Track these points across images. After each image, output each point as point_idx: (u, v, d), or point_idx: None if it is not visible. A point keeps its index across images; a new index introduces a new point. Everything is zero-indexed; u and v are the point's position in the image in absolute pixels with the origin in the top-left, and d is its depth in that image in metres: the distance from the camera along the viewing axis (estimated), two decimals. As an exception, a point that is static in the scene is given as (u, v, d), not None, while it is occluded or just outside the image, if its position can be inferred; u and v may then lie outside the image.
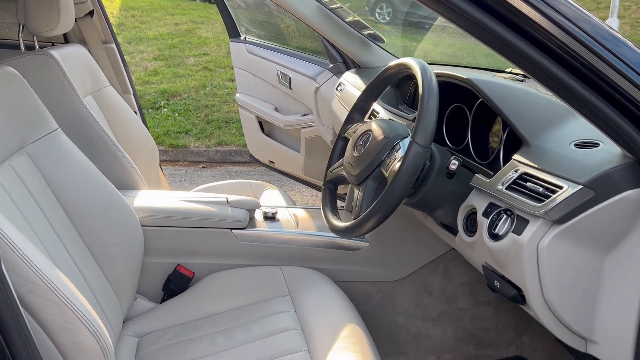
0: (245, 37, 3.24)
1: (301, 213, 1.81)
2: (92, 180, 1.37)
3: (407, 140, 1.18)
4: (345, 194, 2.33)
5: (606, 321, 1.01)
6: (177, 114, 5.53)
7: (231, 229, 1.60)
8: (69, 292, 0.98)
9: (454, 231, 1.32)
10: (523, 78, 1.67)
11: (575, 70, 0.87)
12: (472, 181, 1.19)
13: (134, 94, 2.35)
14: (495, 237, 1.06)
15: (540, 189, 0.98)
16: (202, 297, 1.50)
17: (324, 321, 1.35)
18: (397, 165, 1.10)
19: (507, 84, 1.30)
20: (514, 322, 1.71)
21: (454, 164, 1.12)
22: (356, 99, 1.43)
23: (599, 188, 0.91)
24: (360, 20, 2.35)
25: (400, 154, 1.15)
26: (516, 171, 1.07)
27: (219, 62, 6.91)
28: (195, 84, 6.25)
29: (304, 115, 2.90)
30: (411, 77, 1.75)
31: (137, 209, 1.51)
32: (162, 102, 5.73)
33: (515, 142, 1.23)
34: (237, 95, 3.30)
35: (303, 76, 2.81)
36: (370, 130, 1.26)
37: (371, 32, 2.37)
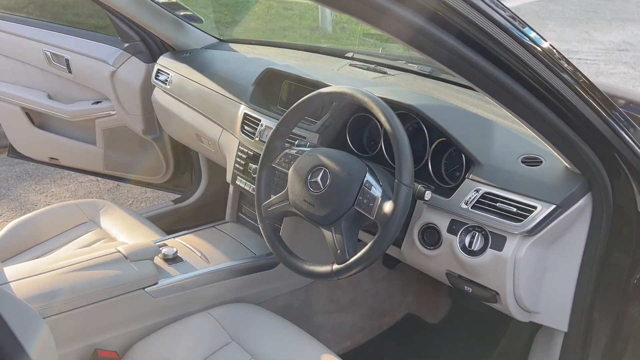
0: (-20, 8, 2.54)
1: (195, 240, 1.64)
2: None
3: (369, 177, 1.19)
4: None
5: (549, 295, 1.26)
6: None
7: (143, 288, 1.37)
8: None
9: (396, 242, 1.41)
10: (383, 69, 1.78)
11: (548, 100, 0.98)
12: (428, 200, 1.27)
13: None
14: (471, 253, 1.19)
15: (514, 209, 1.14)
16: (139, 376, 1.28)
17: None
18: (388, 207, 1.11)
19: (442, 105, 1.38)
20: (400, 287, 1.94)
21: (428, 194, 1.18)
22: (276, 125, 1.33)
23: (566, 204, 1.11)
24: (177, 0, 2.09)
25: (376, 192, 1.16)
26: (477, 191, 1.20)
27: None
28: None
29: (97, 102, 2.50)
30: (281, 78, 1.70)
31: (29, 301, 1.17)
32: None
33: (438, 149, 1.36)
34: (-16, 83, 2.61)
35: (88, 58, 2.39)
36: (323, 166, 1.22)
37: (188, 12, 2.14)
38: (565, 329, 1.29)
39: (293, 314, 1.69)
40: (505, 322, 1.79)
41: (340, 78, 1.69)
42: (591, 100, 1.00)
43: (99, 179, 3.52)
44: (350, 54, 1.99)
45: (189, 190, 2.59)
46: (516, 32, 0.89)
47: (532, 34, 0.93)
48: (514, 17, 0.91)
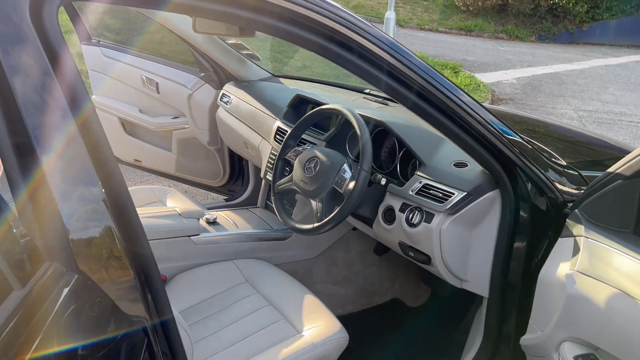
0: (100, 41, 3.33)
1: (232, 214, 2.23)
2: None
3: (345, 165, 1.73)
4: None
5: (473, 267, 1.71)
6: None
7: (189, 236, 1.96)
8: None
9: (368, 222, 1.92)
10: (387, 102, 2.32)
11: (463, 127, 1.49)
12: (388, 188, 1.79)
13: None
14: (411, 225, 1.69)
15: (440, 195, 1.63)
16: (179, 294, 1.84)
17: (284, 296, 1.84)
18: (351, 185, 1.64)
19: (405, 122, 1.91)
20: (389, 275, 2.42)
21: (383, 180, 1.71)
22: (291, 130, 1.91)
23: (475, 193, 1.59)
24: (242, 42, 2.75)
25: (347, 175, 1.69)
26: (420, 182, 1.70)
27: None
28: None
29: (175, 117, 3.19)
30: (307, 102, 2.29)
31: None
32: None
33: (404, 158, 1.87)
34: (94, 97, 3.39)
35: (173, 82, 3.08)
36: (316, 157, 1.77)
37: (249, 52, 2.79)
38: (486, 295, 1.73)
39: (297, 278, 2.20)
40: (469, 303, 2.21)
41: (350, 105, 2.26)
42: (496, 132, 1.48)
43: (171, 185, 4.23)
44: (367, 90, 2.55)
45: (238, 192, 3.20)
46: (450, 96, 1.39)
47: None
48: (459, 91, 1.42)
